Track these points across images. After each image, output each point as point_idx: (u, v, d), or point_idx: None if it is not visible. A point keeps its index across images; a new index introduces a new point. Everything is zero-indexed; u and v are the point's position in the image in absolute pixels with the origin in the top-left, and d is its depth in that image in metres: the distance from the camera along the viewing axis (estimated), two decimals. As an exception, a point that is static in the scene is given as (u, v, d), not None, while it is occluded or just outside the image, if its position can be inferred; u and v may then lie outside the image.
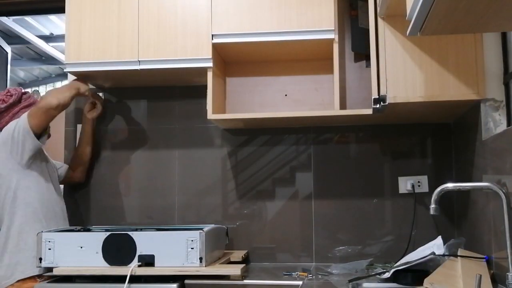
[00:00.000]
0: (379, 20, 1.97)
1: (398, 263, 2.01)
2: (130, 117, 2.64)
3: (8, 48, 3.95)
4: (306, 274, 2.09)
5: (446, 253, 1.94)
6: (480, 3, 1.11)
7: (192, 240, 1.95)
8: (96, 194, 2.62)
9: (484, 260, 1.85)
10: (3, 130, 2.21)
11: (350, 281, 1.97)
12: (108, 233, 2.01)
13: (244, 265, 2.08)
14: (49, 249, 2.00)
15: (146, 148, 2.62)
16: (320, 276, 2.10)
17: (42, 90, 7.69)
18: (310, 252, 2.45)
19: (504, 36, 1.94)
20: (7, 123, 2.23)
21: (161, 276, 1.93)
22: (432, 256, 1.85)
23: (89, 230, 2.13)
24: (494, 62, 1.94)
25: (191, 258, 1.94)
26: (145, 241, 1.98)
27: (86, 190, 2.63)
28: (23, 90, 2.33)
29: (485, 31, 1.81)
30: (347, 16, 2.45)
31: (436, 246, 1.93)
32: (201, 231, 1.97)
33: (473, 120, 2.01)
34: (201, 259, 1.94)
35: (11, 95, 2.25)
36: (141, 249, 1.97)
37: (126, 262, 1.96)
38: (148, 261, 1.96)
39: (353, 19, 2.43)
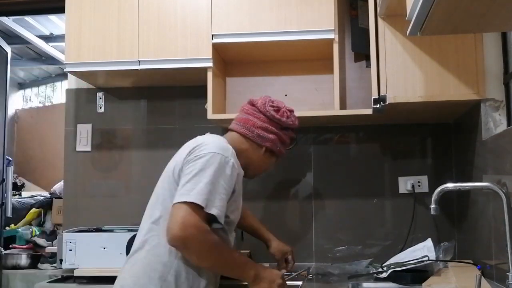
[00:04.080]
0: (379, 20, 1.97)
1: (388, 262, 2.01)
2: (130, 117, 2.64)
3: (8, 48, 3.94)
4: (306, 274, 2.09)
5: (440, 258, 1.94)
6: (480, 3, 1.11)
7: None
8: (96, 194, 2.62)
9: (477, 268, 1.86)
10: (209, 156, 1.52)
11: (349, 277, 1.97)
12: (133, 233, 1.98)
13: (268, 265, 2.06)
14: (70, 250, 1.98)
15: (146, 148, 2.62)
16: (320, 276, 2.09)
17: (42, 90, 7.69)
18: (310, 252, 2.45)
19: (504, 36, 1.94)
20: (241, 123, 1.76)
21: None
22: (426, 261, 1.85)
23: (111, 231, 2.10)
24: (494, 62, 1.94)
25: None
26: None
27: (85, 190, 2.62)
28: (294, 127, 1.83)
29: (485, 31, 1.81)
30: (347, 16, 2.45)
31: (427, 248, 1.94)
32: None
33: (473, 120, 2.01)
34: None
35: (277, 111, 1.76)
36: None
37: None
38: None
39: (353, 19, 2.42)
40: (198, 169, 1.49)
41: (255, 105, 1.77)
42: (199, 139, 1.63)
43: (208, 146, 1.55)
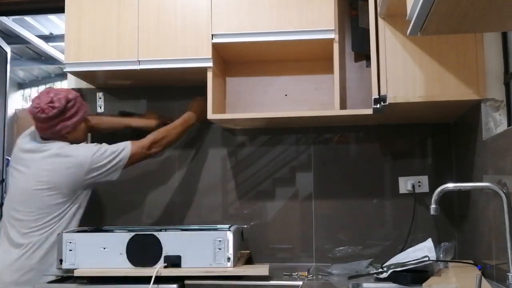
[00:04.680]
0: (379, 20, 1.96)
1: (388, 263, 2.01)
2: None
3: (7, 48, 3.95)
4: (306, 274, 2.09)
5: (440, 258, 1.94)
6: (481, 3, 1.11)
7: (220, 240, 1.94)
8: (95, 194, 2.61)
9: (478, 268, 1.86)
10: (85, 148, 2.13)
11: (349, 278, 1.97)
12: (133, 233, 1.97)
13: (268, 265, 2.06)
14: (70, 250, 1.96)
15: (146, 148, 2.61)
16: (320, 276, 2.09)
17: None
18: (310, 252, 2.45)
19: (504, 36, 1.94)
20: (43, 131, 2.14)
21: (161, 276, 1.91)
22: (426, 261, 1.85)
23: (111, 231, 2.09)
24: (494, 62, 1.94)
25: (218, 259, 1.94)
26: (171, 241, 1.95)
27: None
28: (69, 97, 2.13)
29: (485, 31, 1.81)
30: (347, 16, 2.45)
31: (427, 248, 1.93)
32: (229, 231, 1.96)
33: (473, 120, 2.01)
34: (229, 259, 1.93)
35: (54, 108, 2.07)
36: (167, 250, 1.95)
37: (151, 263, 1.94)
38: (174, 262, 1.93)
39: (353, 19, 2.42)
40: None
41: None
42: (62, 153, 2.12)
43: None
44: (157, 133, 2.26)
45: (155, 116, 2.47)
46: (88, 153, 2.10)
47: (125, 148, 2.17)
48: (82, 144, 2.18)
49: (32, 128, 2.23)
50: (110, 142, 2.23)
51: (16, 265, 2.04)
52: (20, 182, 2.14)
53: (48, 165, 2.09)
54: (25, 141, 2.21)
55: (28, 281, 2.01)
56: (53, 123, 2.10)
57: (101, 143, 2.19)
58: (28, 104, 7.53)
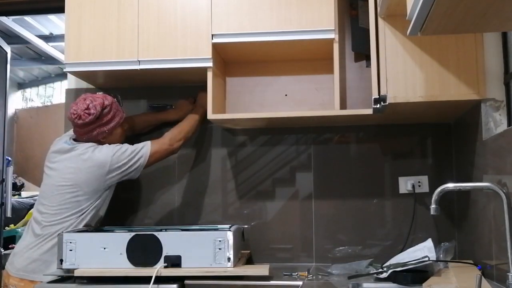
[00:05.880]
0: (379, 20, 1.97)
1: (388, 263, 2.01)
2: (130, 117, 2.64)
3: (7, 48, 3.95)
4: (306, 274, 2.09)
5: (440, 258, 1.94)
6: (480, 3, 1.11)
7: (220, 240, 1.95)
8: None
9: (478, 268, 1.86)
10: (106, 149, 2.16)
11: (349, 278, 1.97)
12: (133, 233, 1.97)
13: (268, 265, 2.06)
14: (70, 250, 1.97)
15: (146, 148, 2.61)
16: (320, 276, 2.09)
17: (42, 90, 7.69)
18: (310, 252, 2.45)
19: (504, 36, 1.94)
20: (80, 136, 2.21)
21: (161, 276, 1.92)
22: (426, 261, 1.85)
23: (111, 231, 2.09)
24: (494, 62, 1.94)
25: (219, 259, 1.94)
26: (171, 241, 1.96)
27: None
28: (105, 104, 2.19)
29: (485, 31, 1.81)
30: (347, 16, 2.45)
31: (427, 248, 1.93)
32: (229, 231, 1.96)
33: (473, 120, 2.01)
34: (229, 259, 1.94)
35: (89, 114, 2.14)
36: (167, 250, 1.95)
37: (151, 263, 1.94)
38: (174, 262, 1.94)
39: (353, 19, 2.42)
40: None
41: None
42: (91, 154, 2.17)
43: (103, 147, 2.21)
44: (172, 130, 2.32)
45: (187, 103, 2.48)
46: (109, 153, 2.15)
47: (144, 146, 2.22)
48: (106, 145, 2.19)
49: (71, 131, 2.30)
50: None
51: (27, 254, 2.14)
52: (49, 179, 2.23)
53: (73, 163, 2.17)
54: (58, 142, 2.28)
55: (33, 270, 2.11)
56: (89, 129, 2.18)
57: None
58: (28, 104, 7.53)
